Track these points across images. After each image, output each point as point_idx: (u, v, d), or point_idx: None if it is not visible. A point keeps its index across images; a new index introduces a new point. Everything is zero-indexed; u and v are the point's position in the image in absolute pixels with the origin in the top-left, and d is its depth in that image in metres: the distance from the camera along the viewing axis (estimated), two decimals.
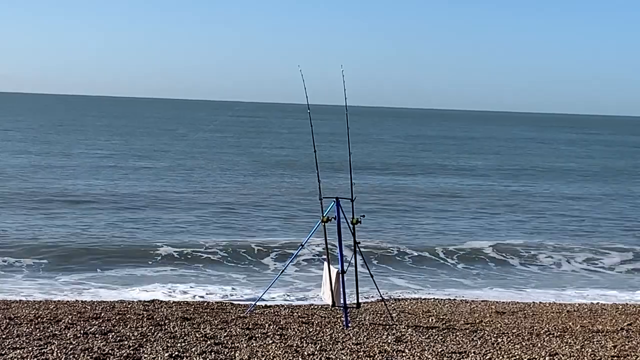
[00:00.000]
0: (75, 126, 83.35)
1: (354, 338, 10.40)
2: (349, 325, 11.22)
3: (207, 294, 15.16)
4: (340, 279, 11.30)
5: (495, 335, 10.96)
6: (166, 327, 10.80)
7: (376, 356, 9.49)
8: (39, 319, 11.06)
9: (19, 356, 9.04)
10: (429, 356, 9.56)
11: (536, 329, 11.62)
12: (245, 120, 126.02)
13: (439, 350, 9.88)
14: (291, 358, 9.30)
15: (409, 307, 13.59)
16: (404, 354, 9.61)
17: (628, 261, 20.50)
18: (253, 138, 73.65)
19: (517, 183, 39.34)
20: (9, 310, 11.89)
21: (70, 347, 9.45)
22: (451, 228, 24.75)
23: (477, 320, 12.29)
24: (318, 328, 11.04)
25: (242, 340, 10.06)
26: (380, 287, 13.20)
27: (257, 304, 12.69)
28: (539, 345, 10.46)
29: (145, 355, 9.22)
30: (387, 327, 11.34)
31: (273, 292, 14.87)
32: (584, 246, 21.91)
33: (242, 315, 12.00)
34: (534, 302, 15.05)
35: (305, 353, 9.51)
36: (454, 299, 15.28)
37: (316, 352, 9.54)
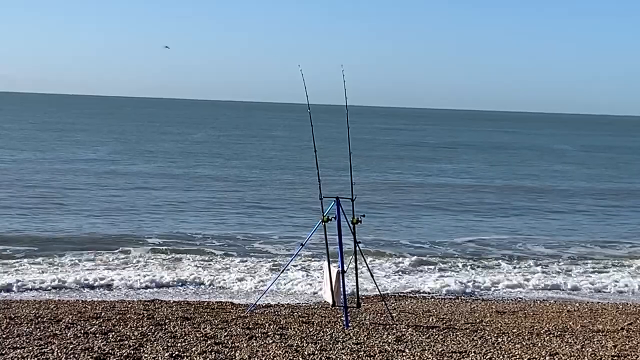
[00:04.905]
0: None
1: (354, 338, 10.39)
2: (349, 324, 11.21)
3: (206, 293, 15.20)
4: (341, 278, 11.29)
5: (495, 335, 10.95)
6: (166, 326, 10.79)
7: (376, 356, 9.48)
8: (39, 319, 11.05)
9: (20, 356, 9.03)
10: (429, 356, 9.55)
11: (536, 329, 11.60)
12: (246, 120, 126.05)
13: (440, 350, 9.87)
14: (291, 358, 9.29)
15: (409, 307, 13.59)
16: (404, 354, 9.60)
17: None
18: (252, 138, 73.65)
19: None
20: (9, 310, 11.89)
21: (71, 346, 9.45)
22: (454, 227, 24.77)
23: (478, 320, 12.28)
24: (318, 328, 11.03)
25: (242, 340, 10.05)
26: (380, 286, 13.21)
27: (258, 303, 12.69)
28: (540, 344, 10.45)
29: (146, 355, 9.21)
30: (388, 326, 11.33)
31: (273, 291, 14.88)
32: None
33: (242, 314, 12.00)
34: (534, 302, 15.07)
35: (306, 353, 9.49)
36: (454, 299, 15.29)
37: (316, 352, 9.53)
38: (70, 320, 10.99)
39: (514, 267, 18.97)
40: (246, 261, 18.34)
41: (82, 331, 10.28)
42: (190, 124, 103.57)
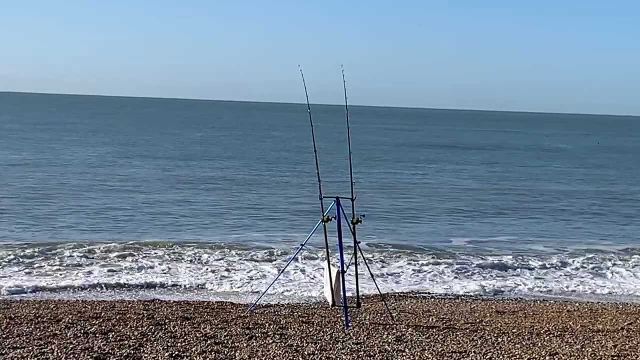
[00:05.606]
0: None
1: (354, 338, 10.38)
2: (349, 324, 11.20)
3: (206, 293, 15.20)
4: (341, 278, 11.29)
5: (495, 335, 10.95)
6: (166, 326, 10.78)
7: (376, 356, 9.48)
8: (39, 319, 11.04)
9: (19, 356, 9.03)
10: (429, 356, 9.55)
11: (536, 329, 11.60)
12: (246, 120, 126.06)
13: (439, 349, 9.86)
14: (291, 358, 9.29)
15: (409, 307, 13.59)
16: (404, 354, 9.60)
17: None
18: (252, 138, 73.66)
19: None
20: (9, 309, 11.88)
21: (71, 346, 9.44)
22: (453, 227, 24.78)
23: (478, 320, 12.28)
24: (318, 328, 11.03)
25: (242, 340, 10.05)
26: (380, 286, 13.20)
27: (258, 303, 12.68)
28: (539, 344, 10.45)
29: (146, 355, 9.20)
30: (387, 326, 11.33)
31: (273, 291, 14.88)
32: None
33: (242, 314, 11.99)
34: (534, 302, 15.06)
35: (306, 353, 9.49)
36: (454, 299, 15.29)
37: (316, 352, 9.52)
38: (70, 320, 10.99)
39: (514, 267, 18.96)
40: (246, 261, 18.34)
41: (82, 331, 10.27)
42: (190, 124, 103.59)
